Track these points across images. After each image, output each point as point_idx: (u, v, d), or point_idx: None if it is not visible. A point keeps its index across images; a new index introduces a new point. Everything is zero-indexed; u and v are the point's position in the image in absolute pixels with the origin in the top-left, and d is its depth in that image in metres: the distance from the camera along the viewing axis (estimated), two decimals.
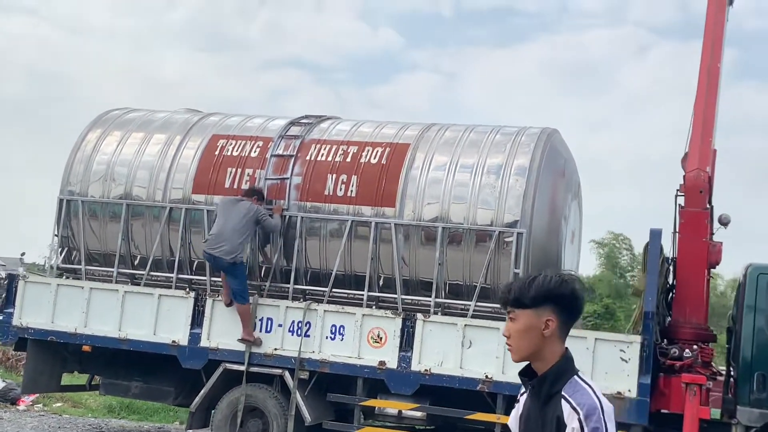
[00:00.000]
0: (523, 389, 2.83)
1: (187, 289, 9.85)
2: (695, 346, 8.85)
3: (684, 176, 9.58)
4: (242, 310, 9.35)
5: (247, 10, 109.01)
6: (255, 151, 10.11)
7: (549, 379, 2.70)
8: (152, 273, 10.16)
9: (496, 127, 9.91)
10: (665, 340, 9.12)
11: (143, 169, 10.38)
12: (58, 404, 13.66)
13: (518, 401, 2.84)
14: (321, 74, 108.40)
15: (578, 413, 2.60)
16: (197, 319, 9.66)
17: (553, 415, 2.65)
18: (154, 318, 9.71)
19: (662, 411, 8.77)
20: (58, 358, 10.54)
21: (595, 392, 2.66)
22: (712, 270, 9.54)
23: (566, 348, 2.76)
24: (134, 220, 10.29)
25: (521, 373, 2.79)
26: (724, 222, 9.48)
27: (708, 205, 9.50)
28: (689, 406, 8.28)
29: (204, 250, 9.45)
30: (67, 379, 11.40)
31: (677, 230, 9.48)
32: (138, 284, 10.13)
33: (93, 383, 11.14)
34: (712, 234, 9.45)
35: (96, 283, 10.15)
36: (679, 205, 9.55)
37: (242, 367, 9.35)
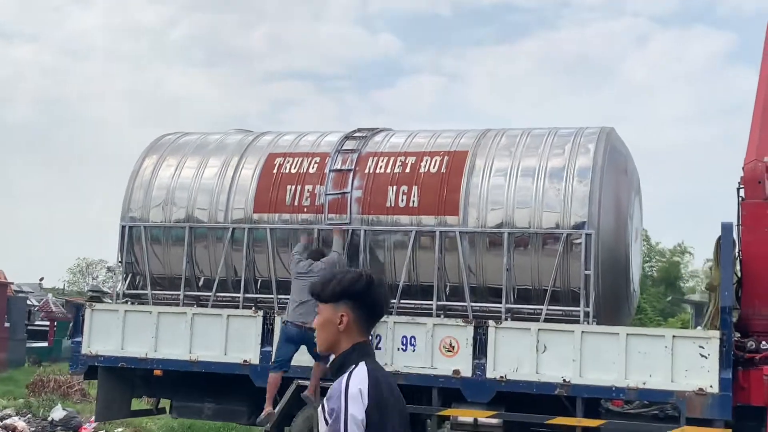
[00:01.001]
0: None
1: (254, 308, 9.90)
2: None
3: (743, 168, 9.53)
4: (319, 370, 9.11)
5: (245, 23, 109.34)
6: (313, 168, 10.16)
7: (333, 371, 2.93)
8: (218, 294, 10.22)
9: (552, 130, 9.92)
10: (738, 333, 9.06)
11: (203, 192, 10.46)
12: (119, 429, 13.72)
13: None
14: (322, 83, 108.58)
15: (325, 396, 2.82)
16: (267, 337, 9.69)
17: None
18: (224, 338, 9.75)
19: (739, 404, 8.71)
20: (127, 384, 10.61)
21: (349, 377, 2.78)
22: None
23: (362, 341, 2.93)
24: (197, 242, 10.36)
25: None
26: None
27: None
28: None
29: (304, 324, 8.90)
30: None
31: (740, 223, 9.43)
32: (204, 306, 10.19)
33: (159, 406, 11.23)
34: None
35: (164, 308, 10.22)
36: (741, 197, 9.49)
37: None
